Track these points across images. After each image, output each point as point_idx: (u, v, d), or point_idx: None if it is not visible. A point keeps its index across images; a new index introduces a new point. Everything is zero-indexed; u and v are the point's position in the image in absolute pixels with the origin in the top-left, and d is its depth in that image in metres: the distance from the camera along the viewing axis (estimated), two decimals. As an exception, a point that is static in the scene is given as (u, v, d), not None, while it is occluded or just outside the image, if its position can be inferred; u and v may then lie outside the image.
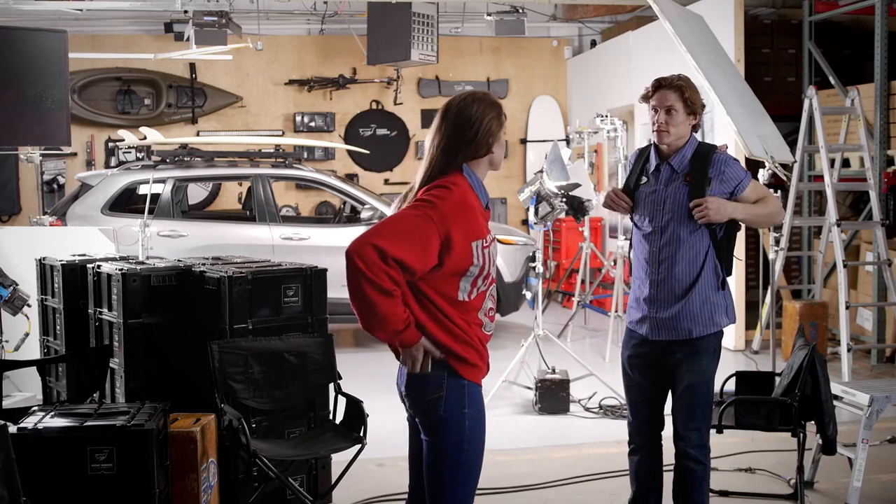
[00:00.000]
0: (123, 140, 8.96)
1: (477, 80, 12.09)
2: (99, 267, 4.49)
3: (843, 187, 7.90)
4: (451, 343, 2.77)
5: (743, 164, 3.55)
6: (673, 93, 3.59)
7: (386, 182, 11.81)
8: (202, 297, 4.30)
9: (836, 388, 4.45)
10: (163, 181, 7.85)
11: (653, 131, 3.68)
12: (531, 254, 7.25)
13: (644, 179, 3.74)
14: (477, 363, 2.83)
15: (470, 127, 2.82)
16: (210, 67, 11.34)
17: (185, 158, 8.26)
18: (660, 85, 3.63)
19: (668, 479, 3.83)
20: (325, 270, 4.44)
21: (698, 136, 3.77)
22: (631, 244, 3.94)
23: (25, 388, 5.57)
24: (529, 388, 6.51)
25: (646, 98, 3.67)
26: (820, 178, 8.00)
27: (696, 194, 3.58)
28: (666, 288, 3.65)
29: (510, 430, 5.90)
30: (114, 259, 4.91)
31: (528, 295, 6.92)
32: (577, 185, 6.65)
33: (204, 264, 4.51)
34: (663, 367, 3.70)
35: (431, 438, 2.82)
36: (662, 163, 3.68)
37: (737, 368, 4.73)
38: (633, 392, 3.82)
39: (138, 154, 10.64)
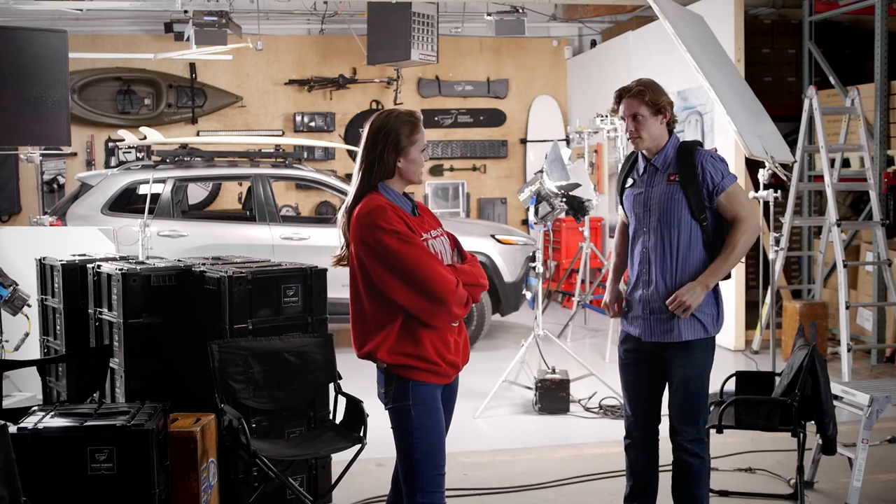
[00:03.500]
0: (123, 140, 8.96)
1: (477, 79, 12.09)
2: (99, 267, 4.49)
3: (843, 187, 7.90)
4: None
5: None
6: (634, 99, 3.63)
7: (386, 182, 11.79)
8: (202, 297, 4.30)
9: (836, 388, 4.45)
10: (163, 181, 7.84)
11: (627, 139, 3.73)
12: (531, 254, 7.25)
13: (630, 181, 3.79)
14: (420, 366, 3.11)
15: (379, 142, 3.14)
16: (210, 67, 11.35)
17: (185, 158, 8.26)
18: (621, 95, 3.69)
19: (666, 476, 3.83)
20: (325, 270, 4.44)
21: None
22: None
23: (25, 388, 5.57)
24: (529, 388, 6.51)
25: (614, 111, 3.73)
26: (820, 178, 7.99)
27: (690, 191, 3.59)
28: (656, 288, 3.67)
29: (510, 430, 5.90)
30: (114, 259, 4.91)
31: (528, 295, 6.92)
32: (577, 185, 6.65)
33: (204, 264, 4.51)
34: (658, 363, 3.73)
35: (392, 426, 3.19)
36: (648, 164, 3.73)
37: (737, 368, 4.73)
38: (630, 387, 3.86)
39: (138, 154, 10.64)
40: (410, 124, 3.17)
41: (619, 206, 3.95)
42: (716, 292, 3.69)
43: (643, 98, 3.62)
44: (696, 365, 3.66)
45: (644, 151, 3.71)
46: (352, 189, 3.22)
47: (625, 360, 3.84)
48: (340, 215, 3.24)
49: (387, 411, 3.22)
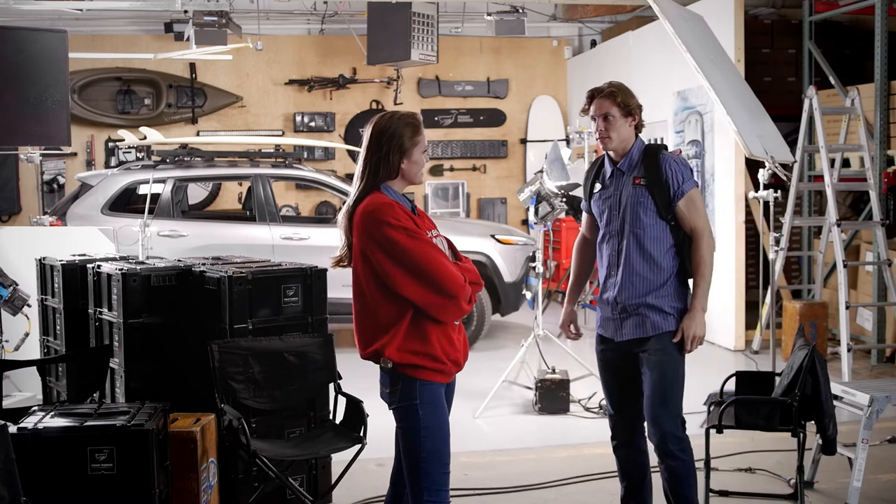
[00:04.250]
0: (123, 140, 8.96)
1: (477, 79, 12.09)
2: (99, 267, 4.49)
3: (843, 187, 7.90)
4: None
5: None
6: (606, 100, 3.69)
7: (386, 182, 11.79)
8: (202, 297, 4.30)
9: (836, 388, 4.45)
10: (163, 181, 7.84)
11: (596, 139, 3.78)
12: (531, 254, 7.25)
13: (598, 186, 3.85)
14: (428, 365, 3.14)
15: (384, 144, 3.17)
16: (210, 67, 11.35)
17: (185, 158, 8.26)
18: (593, 95, 3.74)
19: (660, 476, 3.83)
20: (325, 270, 4.44)
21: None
22: None
23: (25, 388, 5.57)
24: (529, 388, 6.51)
25: (585, 111, 3.78)
26: (820, 178, 7.99)
27: (656, 192, 3.64)
28: (627, 290, 3.70)
29: (510, 430, 5.90)
30: (114, 259, 4.91)
31: (528, 295, 6.92)
32: (577, 185, 6.64)
33: (204, 264, 4.51)
34: (634, 360, 3.75)
35: (398, 425, 3.21)
36: (615, 168, 3.78)
37: (737, 368, 4.73)
38: (608, 387, 3.89)
39: (138, 154, 10.64)
40: (413, 126, 3.22)
41: (584, 214, 4.02)
42: (683, 285, 3.73)
43: (615, 99, 3.68)
44: (671, 352, 3.66)
45: (611, 153, 3.77)
46: (354, 190, 3.24)
47: (602, 361, 3.88)
48: (341, 216, 3.25)
49: (391, 411, 3.22)
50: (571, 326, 4.06)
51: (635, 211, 3.68)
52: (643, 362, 3.71)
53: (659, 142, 3.90)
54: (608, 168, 3.81)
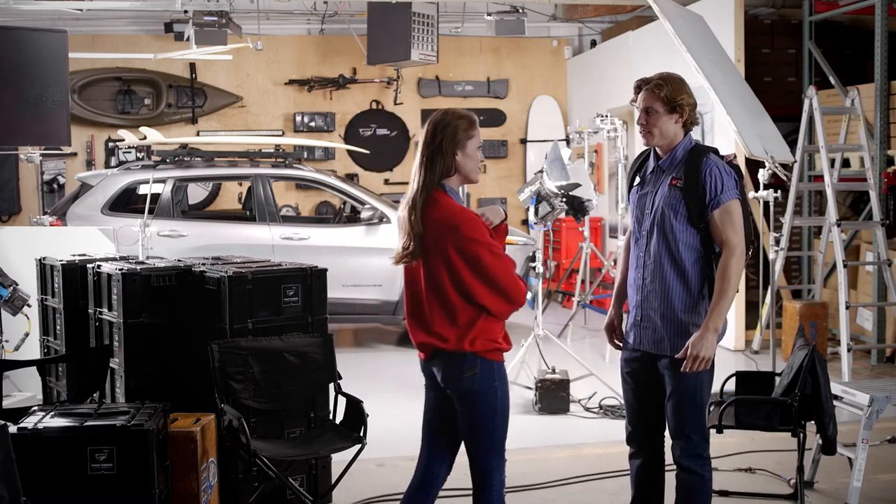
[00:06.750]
0: (123, 140, 8.97)
1: (477, 79, 12.10)
2: (99, 267, 4.49)
3: (843, 187, 7.90)
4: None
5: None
6: (651, 92, 3.50)
7: (386, 182, 11.82)
8: (202, 297, 4.30)
9: (836, 388, 4.45)
10: (163, 181, 7.85)
11: (639, 132, 3.61)
12: (531, 254, 7.26)
13: (638, 180, 3.68)
14: (501, 347, 3.44)
15: (438, 133, 3.29)
16: (210, 67, 11.35)
17: (185, 158, 8.26)
18: (640, 86, 3.56)
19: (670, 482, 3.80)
20: (325, 270, 4.44)
21: (698, 136, 3.69)
22: None
23: (25, 388, 5.57)
24: (529, 388, 6.51)
25: (633, 101, 3.60)
26: (820, 178, 8.00)
27: (691, 198, 3.45)
28: (651, 296, 3.54)
29: (510, 430, 5.87)
30: (114, 259, 4.90)
31: (528, 295, 6.92)
32: (577, 185, 6.65)
33: (204, 264, 4.50)
34: (656, 373, 3.59)
35: (465, 408, 3.40)
36: (656, 165, 3.59)
37: (737, 368, 4.73)
38: (629, 396, 3.72)
39: (138, 154, 10.64)
40: (468, 120, 3.34)
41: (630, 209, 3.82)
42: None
43: (659, 93, 3.47)
44: (688, 379, 3.44)
45: (657, 149, 3.58)
46: (414, 182, 3.32)
47: (624, 369, 3.71)
48: (403, 210, 3.33)
49: (459, 394, 3.38)
50: (615, 333, 3.81)
51: (667, 214, 3.47)
52: (663, 379, 3.55)
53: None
54: (651, 163, 3.62)
